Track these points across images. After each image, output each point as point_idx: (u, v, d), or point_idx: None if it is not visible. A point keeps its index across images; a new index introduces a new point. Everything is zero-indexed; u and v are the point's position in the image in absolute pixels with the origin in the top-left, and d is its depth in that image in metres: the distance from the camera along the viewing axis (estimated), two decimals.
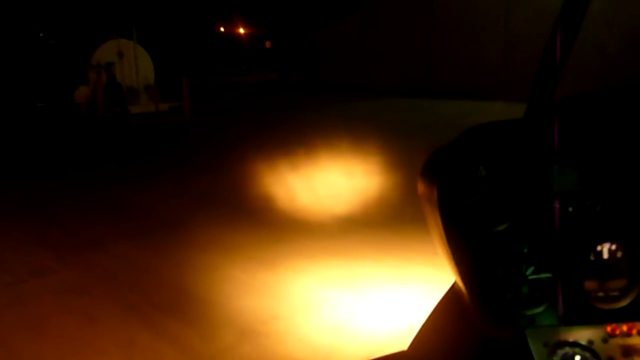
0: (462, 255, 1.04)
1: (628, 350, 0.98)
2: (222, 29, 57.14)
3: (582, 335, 1.00)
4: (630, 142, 1.02)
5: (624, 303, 1.03)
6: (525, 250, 1.04)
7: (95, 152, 12.62)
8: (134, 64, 18.25)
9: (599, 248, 1.04)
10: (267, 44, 58.01)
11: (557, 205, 1.04)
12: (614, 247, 1.04)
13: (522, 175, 1.04)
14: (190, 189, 8.57)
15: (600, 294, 1.04)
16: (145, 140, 14.44)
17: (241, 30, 56.92)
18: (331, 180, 8.45)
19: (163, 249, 5.89)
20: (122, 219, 7.07)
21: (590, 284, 1.04)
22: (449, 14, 24.46)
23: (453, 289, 1.16)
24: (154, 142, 13.96)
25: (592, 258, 1.04)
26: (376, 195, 7.48)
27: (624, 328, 1.00)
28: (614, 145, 1.03)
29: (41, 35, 22.57)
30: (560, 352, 0.98)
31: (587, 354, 0.98)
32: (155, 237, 6.23)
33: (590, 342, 0.99)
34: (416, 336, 1.22)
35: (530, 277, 1.04)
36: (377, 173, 8.62)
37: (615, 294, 1.04)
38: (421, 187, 1.12)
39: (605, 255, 1.04)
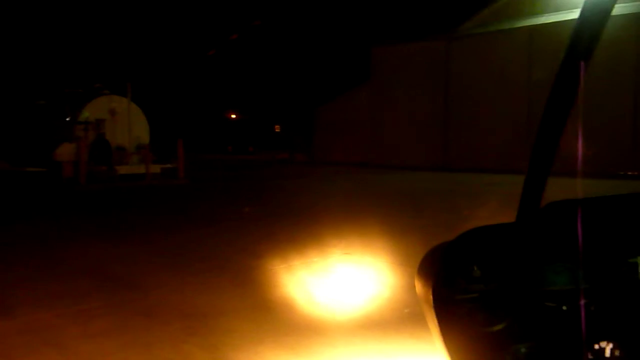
0: (460, 355, 1.01)
1: None
2: (233, 116, 56.89)
3: None
4: (617, 244, 1.09)
5: None
6: (523, 351, 1.03)
7: (54, 212, 10.87)
8: (127, 122, 16.84)
9: (596, 347, 1.05)
10: (277, 128, 57.81)
11: (552, 304, 1.05)
12: (611, 345, 1.04)
13: (516, 275, 1.06)
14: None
15: None
16: (120, 200, 12.83)
17: (248, 114, 56.64)
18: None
19: (92, 313, 4.10)
20: (58, 278, 5.27)
21: None
22: (464, 84, 23.39)
23: None
24: (129, 203, 12.32)
25: (590, 357, 1.04)
26: None
27: None
28: (601, 246, 1.08)
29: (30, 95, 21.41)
30: None
31: None
32: (88, 300, 4.55)
33: None
34: None
35: None
36: None
37: None
38: (418, 287, 1.12)
39: (607, 354, 1.04)
